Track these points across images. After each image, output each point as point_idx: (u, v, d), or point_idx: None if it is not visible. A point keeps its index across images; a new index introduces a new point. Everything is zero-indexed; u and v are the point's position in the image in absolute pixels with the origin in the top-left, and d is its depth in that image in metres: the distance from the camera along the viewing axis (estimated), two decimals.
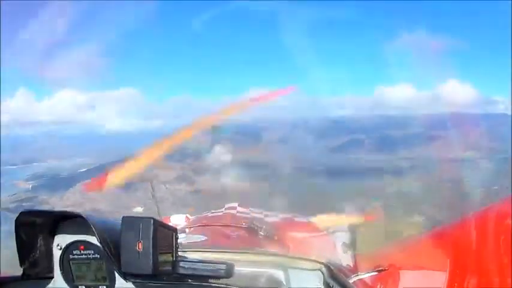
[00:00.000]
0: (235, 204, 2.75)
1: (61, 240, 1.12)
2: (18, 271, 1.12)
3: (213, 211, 2.75)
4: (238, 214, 2.56)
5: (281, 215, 2.46)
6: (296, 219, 2.41)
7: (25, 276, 1.11)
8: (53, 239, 1.12)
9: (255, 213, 2.55)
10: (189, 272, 1.05)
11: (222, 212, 2.69)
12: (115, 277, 1.07)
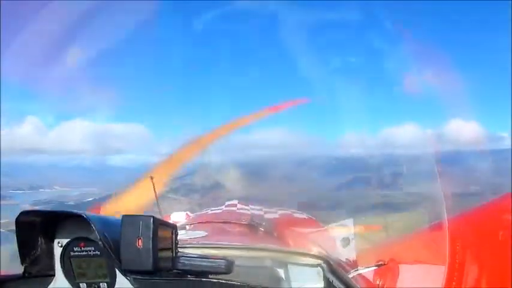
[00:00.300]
0: (235, 202, 2.76)
1: (61, 238, 1.12)
2: (19, 269, 1.13)
3: (213, 208, 2.76)
4: (238, 211, 2.57)
5: (280, 212, 2.47)
6: (295, 215, 2.42)
7: (26, 274, 1.12)
8: (54, 237, 1.13)
9: (255, 210, 2.56)
10: (189, 268, 1.06)
11: (222, 209, 2.70)
12: (115, 274, 1.07)
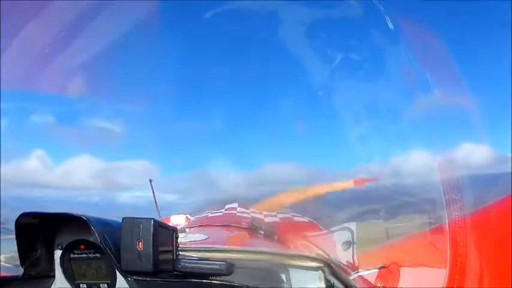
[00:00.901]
0: (235, 205, 2.75)
1: (62, 240, 1.12)
2: (18, 271, 1.13)
3: (213, 211, 2.76)
4: (238, 214, 2.56)
5: (281, 215, 2.46)
6: (296, 218, 2.41)
7: (26, 276, 1.12)
8: (54, 238, 1.13)
9: (255, 213, 2.55)
10: (189, 270, 1.06)
11: (222, 212, 2.69)
12: (116, 275, 1.07)
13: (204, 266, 1.06)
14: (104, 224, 1.07)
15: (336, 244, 1.70)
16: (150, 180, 2.29)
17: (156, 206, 2.42)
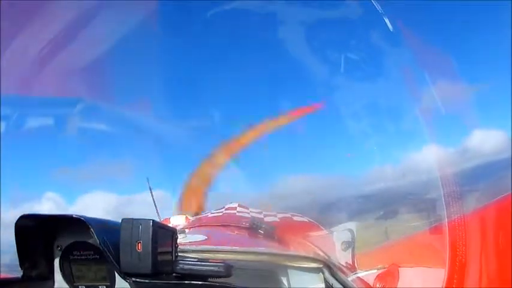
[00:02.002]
0: (235, 205, 2.75)
1: (61, 242, 1.12)
2: (18, 272, 1.13)
3: (213, 211, 2.76)
4: (238, 214, 2.56)
5: (280, 215, 2.46)
6: (295, 218, 2.41)
7: (25, 277, 1.12)
8: (53, 240, 1.13)
9: (255, 213, 2.55)
10: (188, 271, 1.06)
11: (221, 212, 2.69)
12: (115, 277, 1.07)
13: (202, 267, 1.05)
14: (104, 226, 1.07)
15: (335, 244, 1.70)
16: (148, 181, 2.30)
17: (155, 206, 2.43)
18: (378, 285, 1.45)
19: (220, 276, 1.05)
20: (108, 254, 1.01)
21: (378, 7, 1.61)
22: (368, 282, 1.47)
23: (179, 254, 1.13)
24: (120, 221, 1.03)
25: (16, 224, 1.07)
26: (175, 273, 1.06)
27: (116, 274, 1.07)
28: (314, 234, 2.06)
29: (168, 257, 1.09)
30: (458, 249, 1.37)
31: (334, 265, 1.39)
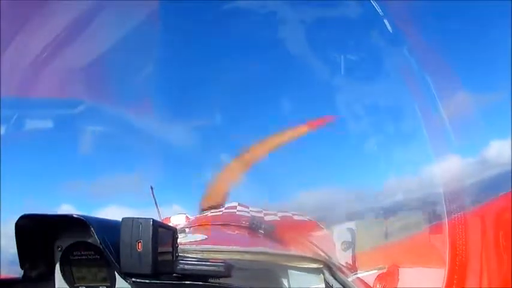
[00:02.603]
0: (235, 204, 2.75)
1: (61, 242, 1.12)
2: (18, 273, 1.13)
3: (213, 211, 2.75)
4: (238, 213, 2.56)
5: (281, 214, 2.46)
6: (296, 218, 2.41)
7: (26, 278, 1.12)
8: (53, 240, 1.13)
9: (255, 212, 2.55)
10: (189, 271, 1.06)
11: (221, 211, 2.69)
12: (115, 277, 1.07)
13: (203, 267, 1.06)
14: (104, 225, 1.07)
15: (336, 244, 1.70)
16: (151, 186, 2.34)
17: (156, 206, 2.43)
18: (378, 286, 1.45)
19: (220, 276, 1.05)
20: (109, 254, 1.01)
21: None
22: (368, 282, 1.47)
23: (179, 253, 1.13)
24: (120, 220, 1.04)
25: (16, 224, 1.07)
26: (176, 273, 1.06)
27: (116, 274, 1.07)
28: (314, 233, 2.06)
29: (168, 257, 1.09)
30: (458, 249, 1.37)
31: (335, 265, 1.39)
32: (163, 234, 1.07)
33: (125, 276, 1.04)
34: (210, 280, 1.05)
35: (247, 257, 1.35)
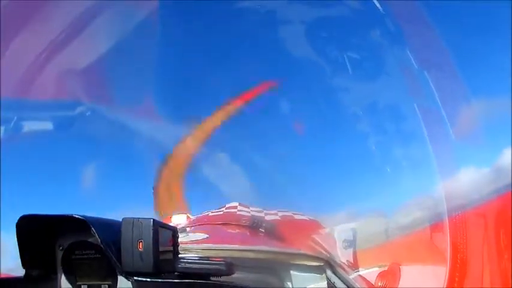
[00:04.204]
0: (236, 203, 2.75)
1: (62, 241, 1.12)
2: (20, 272, 1.13)
3: (214, 210, 2.76)
4: (238, 212, 2.56)
5: (281, 213, 2.46)
6: (297, 216, 2.41)
7: (27, 277, 1.12)
8: (55, 240, 1.13)
9: (256, 212, 2.55)
10: (190, 270, 1.06)
11: (222, 211, 2.69)
12: (117, 276, 1.07)
13: (204, 266, 1.06)
14: (105, 225, 1.07)
15: (337, 242, 1.70)
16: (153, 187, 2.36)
17: (157, 206, 2.43)
18: (379, 283, 1.45)
19: (222, 275, 1.05)
20: (110, 253, 1.01)
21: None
22: (370, 280, 1.47)
23: (181, 252, 1.13)
24: (121, 220, 1.04)
25: (17, 224, 1.07)
26: (177, 272, 1.07)
27: (118, 274, 1.07)
28: (315, 231, 2.06)
29: (169, 256, 1.09)
30: (459, 247, 1.37)
31: (336, 263, 1.39)
32: (164, 233, 1.07)
33: (127, 275, 1.04)
34: (211, 278, 1.05)
35: (249, 255, 1.36)
